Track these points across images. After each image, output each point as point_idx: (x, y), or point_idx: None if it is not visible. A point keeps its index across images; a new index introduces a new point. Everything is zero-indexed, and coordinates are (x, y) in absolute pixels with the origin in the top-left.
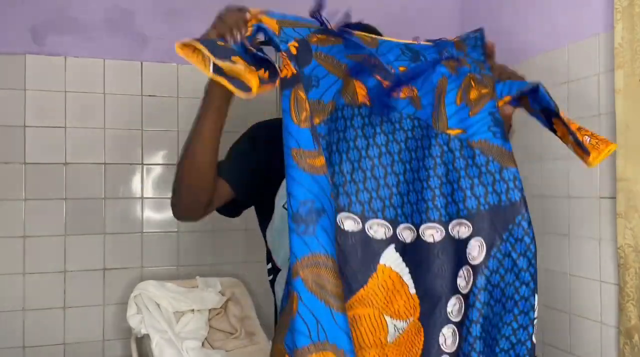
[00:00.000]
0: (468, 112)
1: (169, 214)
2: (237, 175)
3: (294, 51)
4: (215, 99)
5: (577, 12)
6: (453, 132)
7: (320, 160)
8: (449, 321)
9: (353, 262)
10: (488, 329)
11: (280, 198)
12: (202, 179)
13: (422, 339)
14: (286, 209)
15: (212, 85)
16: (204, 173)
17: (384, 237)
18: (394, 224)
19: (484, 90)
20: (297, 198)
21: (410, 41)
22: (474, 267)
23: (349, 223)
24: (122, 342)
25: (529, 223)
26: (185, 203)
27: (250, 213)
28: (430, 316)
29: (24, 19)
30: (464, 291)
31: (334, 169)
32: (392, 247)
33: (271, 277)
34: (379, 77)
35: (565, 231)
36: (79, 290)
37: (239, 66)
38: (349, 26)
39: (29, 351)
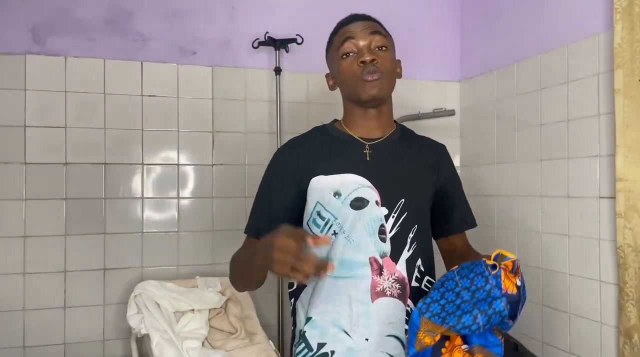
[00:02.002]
0: None
1: (169, 214)
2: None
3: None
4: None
5: (577, 12)
6: None
7: None
8: None
9: None
10: None
11: (305, 217)
12: (249, 286)
13: None
14: (309, 227)
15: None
16: (249, 286)
17: None
18: None
19: None
20: None
21: None
22: None
23: None
24: (122, 342)
25: None
26: (241, 289)
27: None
28: None
29: (24, 19)
30: None
31: None
32: None
33: (294, 288)
34: None
35: (565, 231)
36: (79, 290)
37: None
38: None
39: (29, 351)
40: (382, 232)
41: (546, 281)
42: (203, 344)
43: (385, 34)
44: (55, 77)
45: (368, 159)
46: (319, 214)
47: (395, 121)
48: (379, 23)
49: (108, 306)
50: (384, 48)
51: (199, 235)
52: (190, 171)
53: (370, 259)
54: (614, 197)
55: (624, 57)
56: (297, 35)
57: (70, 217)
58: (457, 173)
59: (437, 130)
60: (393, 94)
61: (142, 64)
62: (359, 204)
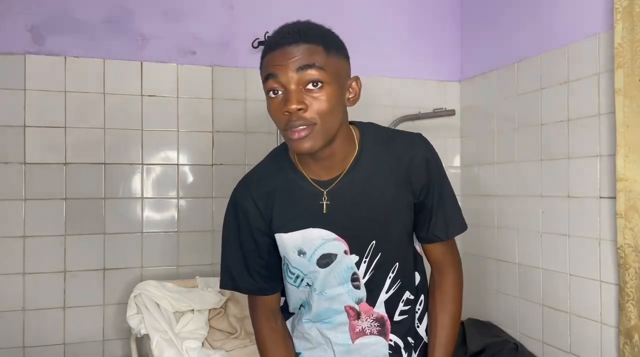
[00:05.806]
0: None
1: (169, 214)
2: (268, 284)
3: None
4: None
5: (577, 12)
6: None
7: None
8: None
9: None
10: None
11: (281, 260)
12: None
13: None
14: (284, 273)
15: None
16: None
17: None
18: None
19: None
20: None
21: None
22: None
23: None
24: (122, 342)
25: None
26: None
27: None
28: None
29: (24, 19)
30: None
31: None
32: None
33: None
34: None
35: (565, 231)
36: (79, 290)
37: None
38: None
39: (29, 351)
40: (354, 279)
41: (546, 281)
42: (203, 344)
43: (322, 64)
44: (55, 77)
45: (326, 211)
46: (288, 267)
47: (359, 127)
48: (320, 37)
49: (108, 306)
50: (319, 84)
51: (199, 235)
52: (190, 171)
53: (345, 307)
54: (614, 197)
55: (624, 57)
56: None
57: (70, 217)
58: (435, 179)
59: (437, 130)
60: (392, 94)
61: (142, 64)
62: (326, 261)
